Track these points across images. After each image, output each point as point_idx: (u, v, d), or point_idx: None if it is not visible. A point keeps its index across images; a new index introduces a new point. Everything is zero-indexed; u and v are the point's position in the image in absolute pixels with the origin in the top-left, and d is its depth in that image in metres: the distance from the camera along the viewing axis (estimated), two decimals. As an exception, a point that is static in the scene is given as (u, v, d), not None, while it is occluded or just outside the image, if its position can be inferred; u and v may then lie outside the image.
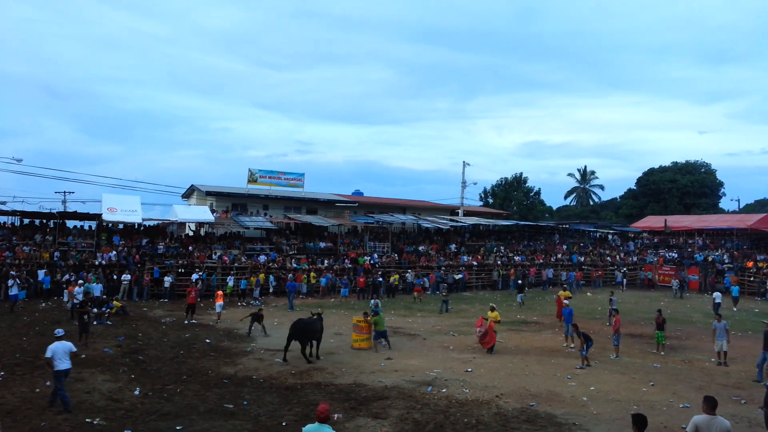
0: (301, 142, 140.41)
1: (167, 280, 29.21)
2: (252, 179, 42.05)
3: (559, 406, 11.78)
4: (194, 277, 29.44)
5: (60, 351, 10.91)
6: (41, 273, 27.36)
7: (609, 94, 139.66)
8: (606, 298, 26.14)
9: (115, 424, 10.23)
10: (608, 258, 45.10)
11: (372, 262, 36.59)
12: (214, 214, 37.04)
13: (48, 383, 11.25)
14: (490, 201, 72.83)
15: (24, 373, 13.35)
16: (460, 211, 52.40)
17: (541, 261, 42.16)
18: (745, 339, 20.11)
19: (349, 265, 35.72)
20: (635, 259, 45.70)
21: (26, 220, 34.00)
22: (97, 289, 24.95)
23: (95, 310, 21.37)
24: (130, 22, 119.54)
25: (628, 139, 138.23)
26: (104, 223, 33.05)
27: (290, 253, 36.02)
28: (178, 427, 10.11)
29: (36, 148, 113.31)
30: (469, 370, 14.96)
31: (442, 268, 37.51)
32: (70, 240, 31.82)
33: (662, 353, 17.70)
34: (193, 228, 39.45)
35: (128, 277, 28.32)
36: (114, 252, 30.72)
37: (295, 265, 33.98)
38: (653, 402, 12.12)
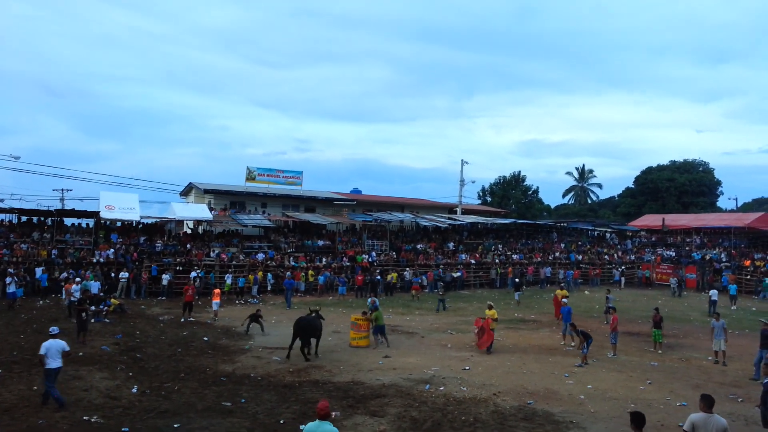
0: (299, 140, 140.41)
1: (165, 278, 29.20)
2: (250, 177, 42.05)
3: (557, 404, 11.80)
4: (192, 275, 29.42)
5: (53, 349, 10.94)
6: (39, 271, 27.30)
7: (607, 93, 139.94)
8: (603, 297, 26.17)
9: (113, 421, 10.22)
10: (606, 256, 45.18)
11: (370, 260, 36.59)
12: (212, 212, 37.02)
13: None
14: (489, 199, 72.92)
15: (21, 371, 13.32)
16: (458, 209, 52.46)
17: (539, 259, 42.21)
18: (743, 337, 20.16)
19: (347, 264, 35.73)
20: (633, 257, 45.79)
21: (24, 218, 33.93)
22: (94, 286, 24.94)
23: (93, 308, 21.35)
24: (128, 21, 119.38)
25: (626, 137, 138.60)
26: (102, 221, 33.00)
27: (288, 251, 36.02)
28: (175, 425, 10.11)
29: (34, 145, 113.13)
30: (467, 368, 14.97)
31: (441, 266, 37.53)
32: (68, 238, 31.78)
33: (659, 351, 17.73)
34: (191, 226, 39.40)
35: (126, 274, 28.28)
36: (112, 250, 30.69)
37: (293, 263, 33.98)
38: (650, 400, 12.14)
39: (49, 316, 21.24)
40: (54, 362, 10.87)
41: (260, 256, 34.05)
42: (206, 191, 42.05)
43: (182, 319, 22.14)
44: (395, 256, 38.38)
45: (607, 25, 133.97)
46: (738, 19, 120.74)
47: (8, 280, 23.61)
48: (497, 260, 40.77)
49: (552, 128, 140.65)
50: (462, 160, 53.45)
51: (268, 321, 21.30)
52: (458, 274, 37.13)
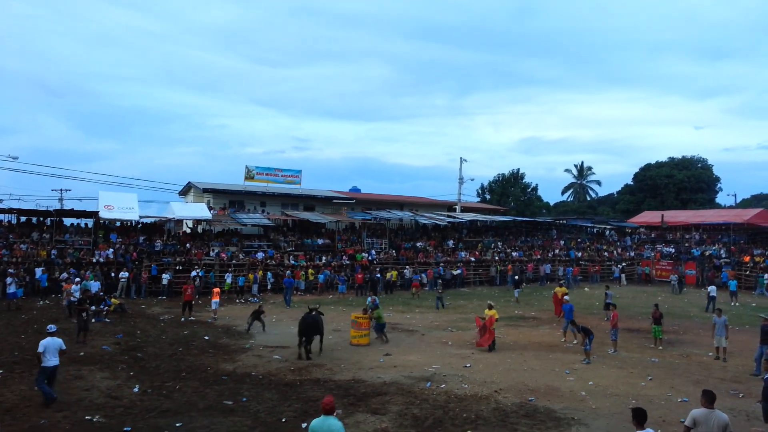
0: (298, 138, 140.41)
1: (165, 278, 29.20)
2: (249, 176, 42.03)
3: (558, 400, 11.81)
4: (192, 274, 29.42)
5: (51, 347, 11.05)
6: (38, 271, 27.28)
7: (606, 90, 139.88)
8: (603, 294, 26.18)
9: (115, 421, 10.22)
10: (605, 253, 45.20)
11: (370, 258, 36.60)
12: (212, 212, 37.02)
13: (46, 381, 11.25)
14: (488, 197, 72.92)
15: (23, 371, 13.31)
16: (457, 207, 52.47)
17: (539, 257, 42.24)
18: (743, 333, 20.19)
19: (347, 262, 35.74)
20: (632, 254, 45.81)
21: (23, 218, 33.90)
22: (94, 286, 24.92)
23: (93, 308, 21.33)
24: (127, 20, 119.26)
25: (625, 134, 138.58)
26: (101, 221, 32.98)
27: (288, 250, 36.02)
28: (177, 424, 10.11)
29: (32, 145, 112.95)
30: (468, 365, 14.97)
31: (441, 264, 37.53)
32: (68, 238, 31.76)
33: (660, 348, 17.75)
34: (191, 225, 39.40)
35: (126, 274, 28.26)
36: (111, 250, 30.67)
37: (293, 262, 33.98)
38: (651, 396, 12.15)
39: (49, 317, 21.22)
40: (52, 360, 10.98)
41: (260, 255, 34.05)
42: (205, 190, 42.02)
43: (182, 319, 22.14)
44: (395, 255, 38.39)
45: (606, 23, 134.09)
46: (735, 16, 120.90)
47: (9, 280, 23.59)
48: (497, 258, 40.79)
49: (551, 126, 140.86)
50: (461, 158, 53.51)
51: (268, 320, 21.30)
52: (458, 271, 37.16)
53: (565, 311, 19.39)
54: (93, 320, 19.97)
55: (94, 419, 10.27)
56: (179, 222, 39.50)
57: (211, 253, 32.93)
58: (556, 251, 44.13)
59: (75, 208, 37.79)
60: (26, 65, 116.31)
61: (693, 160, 70.83)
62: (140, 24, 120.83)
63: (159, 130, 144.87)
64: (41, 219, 33.85)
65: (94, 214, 32.68)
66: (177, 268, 30.64)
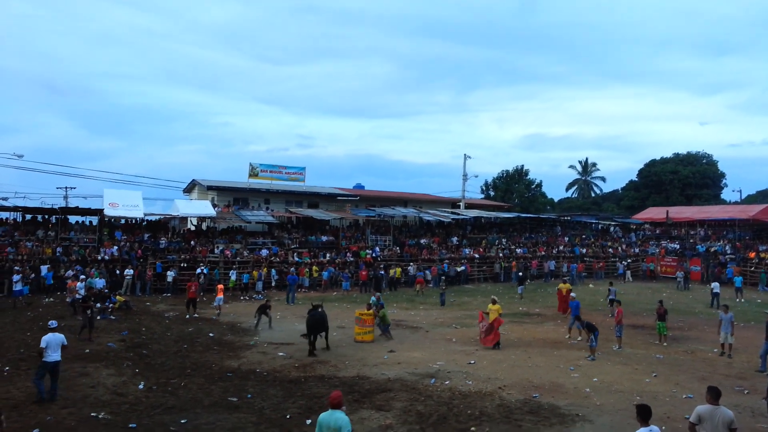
0: (302, 136, 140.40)
1: (170, 275, 29.28)
2: (253, 173, 42.06)
3: (563, 397, 11.80)
4: (197, 271, 29.51)
5: (53, 342, 11.14)
6: (44, 269, 27.41)
7: (610, 86, 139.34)
8: (607, 290, 26.11)
9: (120, 418, 10.27)
10: (610, 250, 45.10)
11: (374, 255, 36.61)
12: (216, 209, 37.06)
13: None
14: (492, 194, 72.74)
15: (29, 368, 13.36)
16: (461, 203, 52.36)
17: (543, 253, 42.16)
18: (748, 329, 20.11)
19: (351, 259, 35.76)
20: (637, 250, 45.66)
21: (28, 216, 34.05)
22: (99, 283, 25.04)
23: (99, 305, 21.42)
24: (128, 18, 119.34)
25: (629, 130, 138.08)
26: (106, 218, 33.10)
27: (292, 247, 36.05)
28: (182, 421, 10.16)
29: (36, 144, 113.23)
30: (472, 362, 14.97)
31: (446, 261, 37.50)
32: (73, 235, 31.89)
33: (665, 344, 17.71)
34: (195, 222, 39.48)
35: (131, 272, 28.37)
36: (116, 247, 30.78)
37: (297, 259, 34.02)
38: (656, 393, 12.13)
39: (54, 314, 21.23)
40: (53, 355, 11.06)
41: (264, 252, 34.09)
42: (209, 188, 42.06)
43: (187, 316, 22.21)
44: (399, 251, 38.39)
45: (609, 19, 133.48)
46: (739, 11, 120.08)
47: (16, 278, 23.69)
48: (501, 254, 40.74)
49: (555, 122, 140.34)
50: (465, 155, 53.33)
51: (272, 317, 21.33)
52: (462, 268, 37.13)
53: (571, 308, 19.28)
54: (98, 317, 20.07)
55: (100, 416, 10.33)
56: (184, 219, 39.59)
57: (216, 251, 33.00)
58: (561, 248, 44.05)
59: (80, 206, 37.92)
60: (29, 64, 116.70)
61: (698, 156, 70.52)
62: (142, 22, 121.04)
63: (162, 128, 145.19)
64: (46, 217, 34.01)
65: (99, 212, 32.79)
66: (182, 265, 30.73)
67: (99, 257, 29.61)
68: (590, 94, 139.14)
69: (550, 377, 13.42)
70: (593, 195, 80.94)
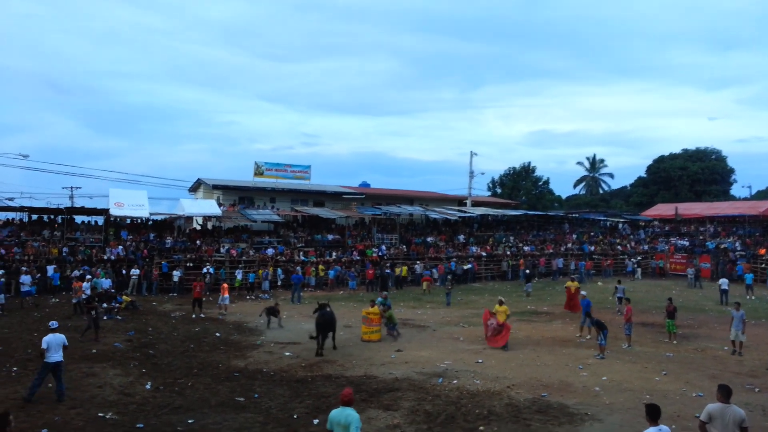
0: (306, 134, 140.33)
1: (176, 275, 29.32)
2: (258, 172, 42.09)
3: (571, 396, 11.70)
4: (203, 270, 29.54)
5: (54, 343, 11.16)
6: (50, 269, 27.53)
7: (616, 82, 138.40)
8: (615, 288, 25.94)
9: (128, 418, 10.25)
10: (619, 247, 44.84)
11: (380, 254, 36.54)
12: (221, 208, 37.11)
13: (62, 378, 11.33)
14: (499, 191, 72.58)
15: (36, 368, 13.36)
16: (468, 201, 52.23)
17: (551, 251, 41.96)
18: (759, 327, 19.92)
19: (357, 258, 35.71)
20: (646, 247, 45.39)
21: (34, 216, 34.22)
22: (106, 283, 25.12)
23: (105, 305, 21.48)
24: (130, 16, 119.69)
25: (637, 126, 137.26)
26: (112, 218, 33.21)
27: (298, 245, 36.04)
28: (190, 421, 10.13)
29: (42, 143, 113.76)
30: (480, 361, 14.89)
31: (453, 259, 37.38)
32: (79, 235, 32.02)
33: (674, 342, 17.54)
34: (201, 222, 39.56)
35: (137, 271, 28.44)
36: (122, 247, 30.86)
37: (303, 258, 34.01)
38: (666, 391, 12.01)
39: (61, 314, 21.39)
40: (54, 356, 11.07)
41: (270, 251, 34.10)
42: (215, 187, 42.13)
43: (192, 316, 22.22)
44: (405, 250, 38.31)
45: (615, 13, 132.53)
46: (747, 5, 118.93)
47: (24, 278, 23.76)
48: (508, 252, 40.58)
49: (561, 118, 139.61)
50: (471, 152, 53.26)
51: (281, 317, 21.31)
52: (469, 266, 37.00)
53: (582, 306, 19.06)
54: (105, 317, 20.13)
55: (107, 416, 10.32)
56: (189, 219, 39.67)
57: (222, 250, 33.04)
58: (569, 245, 43.84)
59: (86, 206, 38.13)
60: (33, 64, 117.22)
61: (707, 152, 69.99)
62: (145, 21, 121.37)
63: (167, 126, 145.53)
64: (52, 217, 34.17)
65: (104, 212, 32.91)
66: (188, 264, 30.78)
67: (105, 257, 29.71)
68: (596, 90, 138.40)
69: (558, 376, 13.32)
70: (601, 192, 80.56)
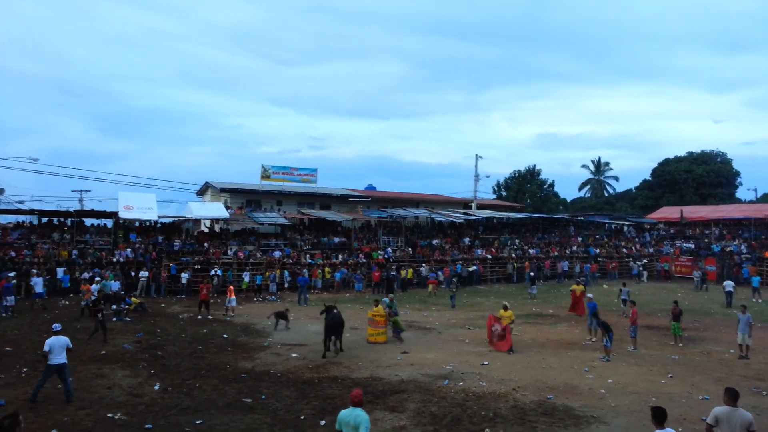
0: (313, 137, 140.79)
1: (184, 277, 29.52)
2: (265, 175, 42.29)
3: (577, 398, 11.73)
4: (211, 273, 29.71)
5: (57, 345, 11.25)
6: (60, 271, 27.77)
7: (622, 84, 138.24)
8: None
9: (136, 419, 10.37)
10: (624, 250, 44.73)
11: (386, 256, 36.62)
12: (229, 211, 37.31)
13: (70, 379, 11.44)
14: (504, 194, 72.47)
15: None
16: (473, 204, 52.22)
17: (556, 253, 41.92)
18: (765, 330, 19.82)
19: (363, 260, 35.79)
20: (651, 250, 45.26)
21: (44, 219, 34.49)
22: (115, 286, 25.32)
23: (114, 307, 21.65)
24: (140, 20, 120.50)
25: (642, 129, 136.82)
26: (121, 221, 33.43)
27: (305, 248, 36.17)
28: (198, 422, 10.23)
29: (51, 146, 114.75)
30: (486, 363, 14.93)
31: (458, 261, 37.40)
32: (88, 238, 32.25)
33: (680, 345, 17.53)
34: (208, 225, 39.76)
35: (146, 274, 28.64)
36: (131, 249, 31.08)
37: (309, 261, 34.12)
38: (672, 394, 12.02)
39: (71, 316, 21.59)
40: (57, 358, 11.16)
41: (277, 253, 34.24)
42: (222, 190, 42.35)
43: (199, 317, 22.35)
44: (411, 252, 38.37)
45: (621, 15, 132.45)
46: (753, 8, 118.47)
47: (35, 280, 23.93)
48: (514, 255, 40.57)
49: (567, 121, 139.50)
50: (476, 155, 53.17)
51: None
52: (474, 269, 37.01)
53: (589, 309, 19.02)
54: (114, 319, 20.28)
55: (116, 417, 10.43)
56: (197, 221, 39.85)
57: (229, 252, 33.20)
58: (574, 248, 43.79)
59: (95, 209, 38.34)
60: (43, 67, 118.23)
61: (712, 155, 69.74)
62: (155, 24, 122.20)
63: (175, 130, 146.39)
64: (62, 220, 34.43)
65: (113, 215, 33.15)
66: (196, 267, 30.97)
67: (114, 259, 29.93)
68: (603, 92, 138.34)
69: (564, 378, 13.35)
70: (606, 194, 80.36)
